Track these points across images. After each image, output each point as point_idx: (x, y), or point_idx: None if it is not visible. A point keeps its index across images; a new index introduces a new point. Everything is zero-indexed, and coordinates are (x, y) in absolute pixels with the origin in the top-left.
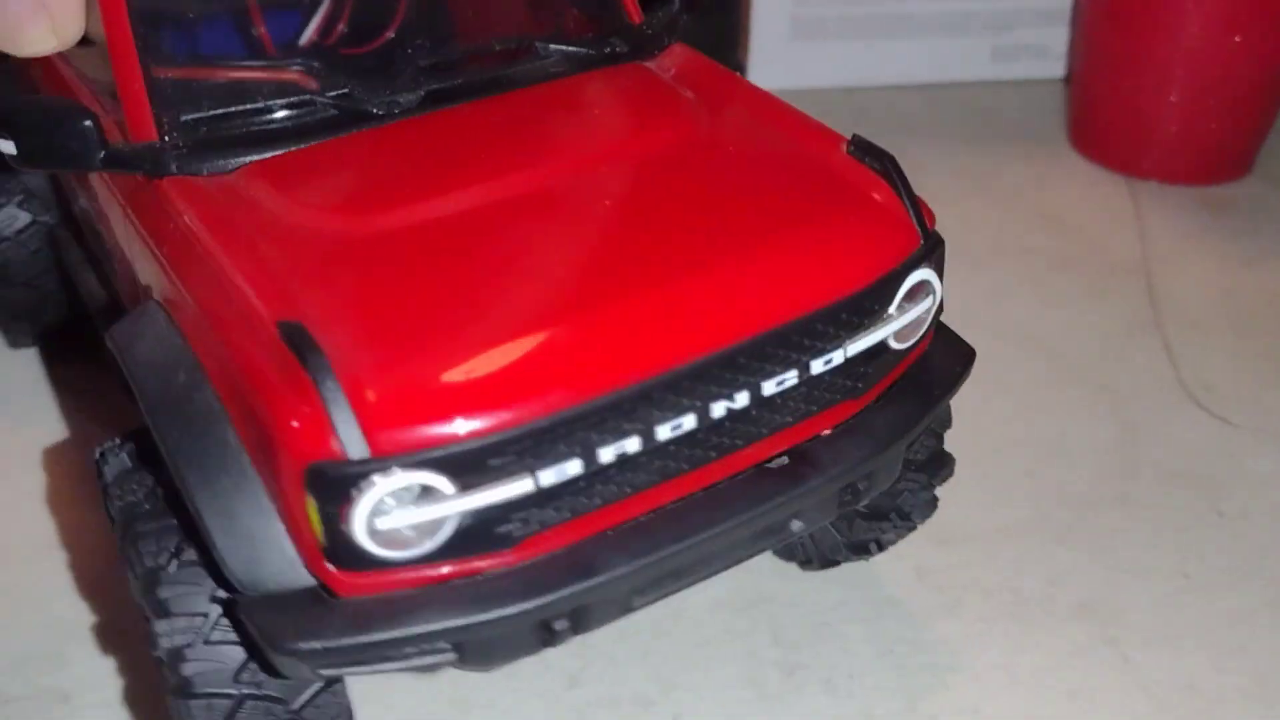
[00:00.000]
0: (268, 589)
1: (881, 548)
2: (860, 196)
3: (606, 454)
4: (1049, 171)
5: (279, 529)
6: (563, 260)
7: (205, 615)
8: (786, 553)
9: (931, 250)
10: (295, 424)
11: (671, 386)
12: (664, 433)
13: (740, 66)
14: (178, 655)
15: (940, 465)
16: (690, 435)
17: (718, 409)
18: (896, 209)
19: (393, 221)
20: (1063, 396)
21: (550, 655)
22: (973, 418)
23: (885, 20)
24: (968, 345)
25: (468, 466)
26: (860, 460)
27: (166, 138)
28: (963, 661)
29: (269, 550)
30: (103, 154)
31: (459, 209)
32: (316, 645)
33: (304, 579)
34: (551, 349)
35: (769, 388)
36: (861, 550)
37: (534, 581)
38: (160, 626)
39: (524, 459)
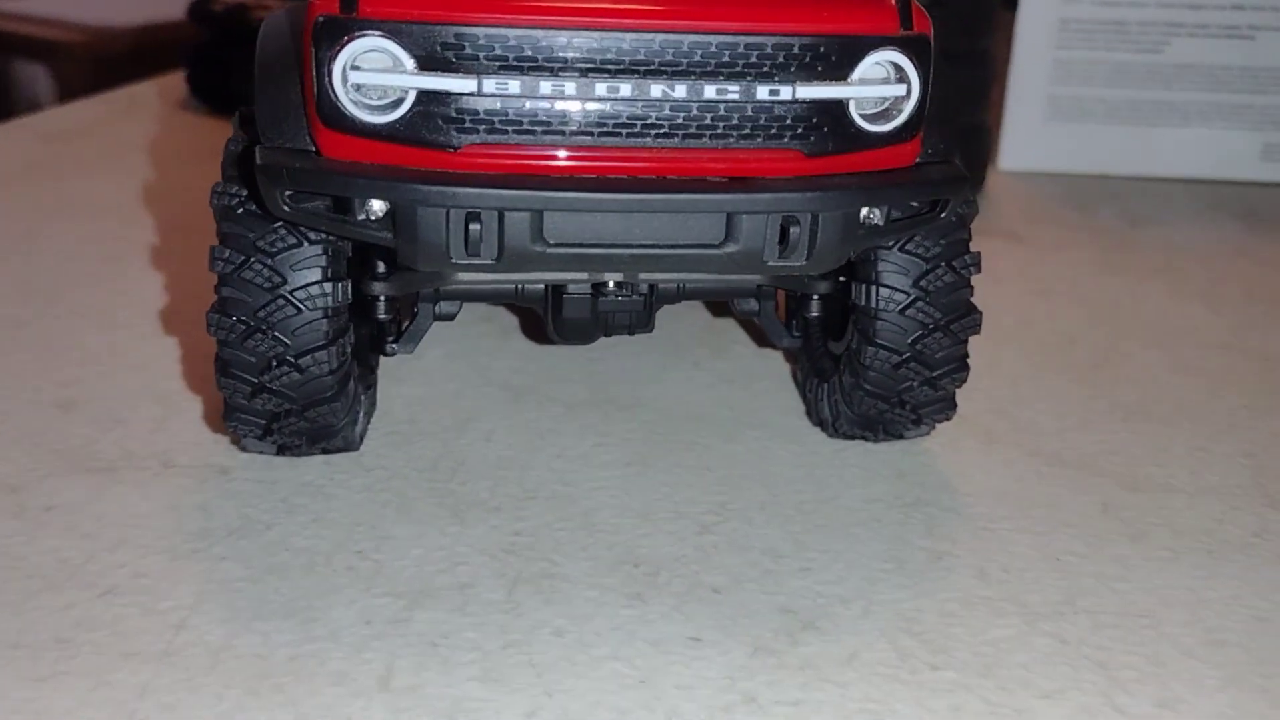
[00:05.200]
0: (280, 143)
1: (890, 434)
2: None
3: (545, 86)
4: None
5: (298, 103)
6: None
7: (246, 257)
8: (814, 416)
9: (909, 42)
10: None
11: (614, 47)
12: (601, 89)
13: (992, 142)
14: (222, 279)
15: (952, 361)
16: (629, 107)
17: (655, 89)
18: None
19: None
20: None
21: (686, 505)
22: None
23: (1148, 107)
24: (962, 171)
25: (423, 47)
26: (797, 193)
27: None
28: (1137, 576)
29: (289, 117)
30: None
31: None
32: (294, 166)
33: (305, 144)
34: None
35: (709, 91)
36: (868, 427)
37: (463, 178)
38: (218, 251)
39: (471, 59)
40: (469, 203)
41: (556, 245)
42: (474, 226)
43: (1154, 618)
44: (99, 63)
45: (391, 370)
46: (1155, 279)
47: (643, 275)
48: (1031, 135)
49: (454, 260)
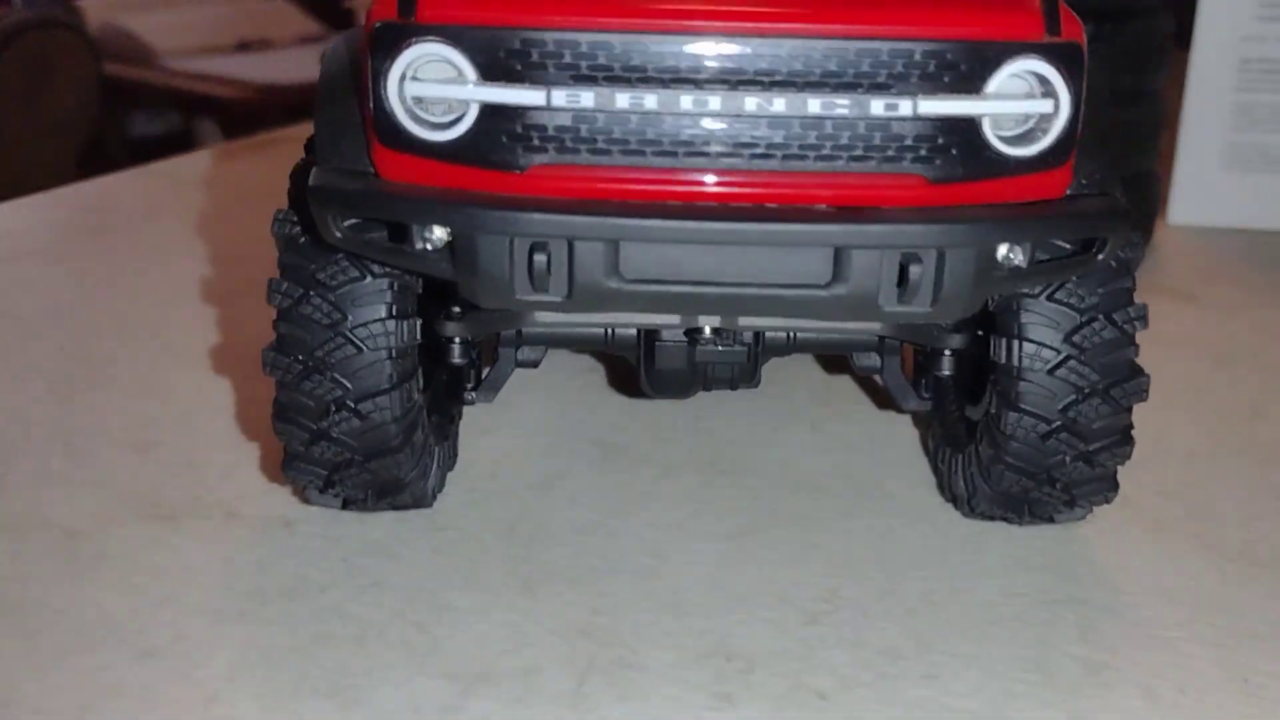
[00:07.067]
0: (337, 164)
1: (1037, 516)
2: None
3: (621, 99)
4: None
5: (357, 122)
6: None
7: (305, 291)
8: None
9: (1056, 50)
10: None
11: (701, 54)
12: (686, 102)
13: (1158, 194)
14: (280, 314)
15: (1112, 433)
16: (719, 123)
17: (750, 103)
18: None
19: None
20: None
21: (790, 589)
22: None
23: None
24: (1123, 205)
25: (487, 55)
26: (918, 224)
27: None
28: None
29: (347, 137)
30: None
31: None
32: (345, 188)
33: (363, 165)
34: None
35: (814, 105)
36: (1011, 507)
37: (529, 202)
38: (275, 283)
39: (539, 69)
40: (534, 230)
41: (634, 282)
42: (539, 258)
43: None
44: (267, 114)
45: (479, 420)
46: None
47: (738, 320)
48: (1207, 186)
49: (518, 296)
